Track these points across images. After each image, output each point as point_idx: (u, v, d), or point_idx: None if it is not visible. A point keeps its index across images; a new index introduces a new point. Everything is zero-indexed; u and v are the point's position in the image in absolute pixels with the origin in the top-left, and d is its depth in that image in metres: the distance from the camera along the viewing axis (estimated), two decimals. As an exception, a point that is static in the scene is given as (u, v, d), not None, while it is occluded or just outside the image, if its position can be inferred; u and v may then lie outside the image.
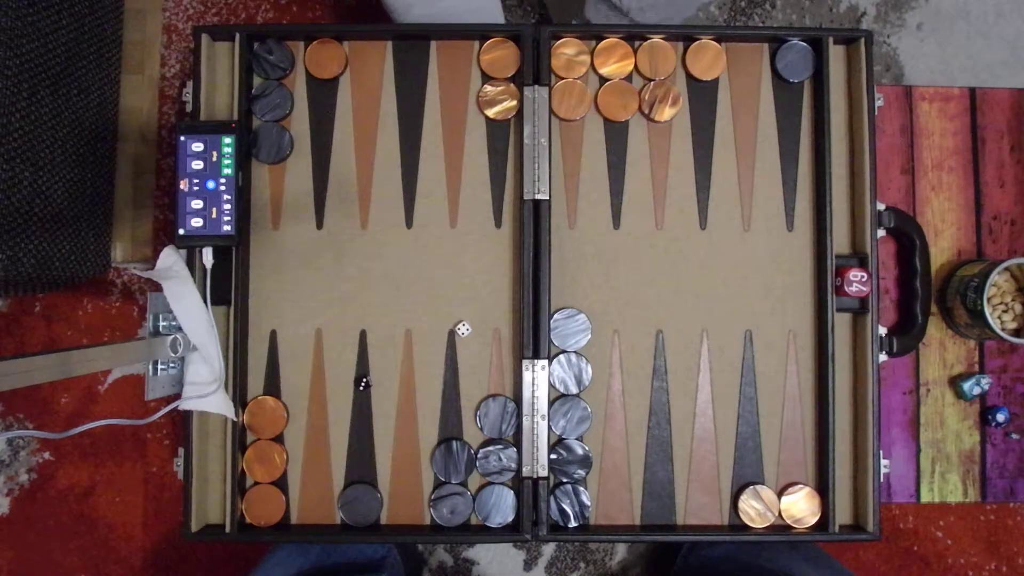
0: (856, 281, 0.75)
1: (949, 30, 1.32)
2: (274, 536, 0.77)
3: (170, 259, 0.74)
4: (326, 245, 0.79)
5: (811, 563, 0.80)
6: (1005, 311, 0.82)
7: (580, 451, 0.76)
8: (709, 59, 0.79)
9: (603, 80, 0.79)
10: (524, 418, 0.75)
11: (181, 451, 0.74)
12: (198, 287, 0.73)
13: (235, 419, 0.75)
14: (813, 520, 0.76)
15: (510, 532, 0.76)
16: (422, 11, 0.92)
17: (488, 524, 0.76)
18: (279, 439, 0.78)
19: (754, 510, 0.76)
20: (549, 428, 0.75)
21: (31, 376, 0.51)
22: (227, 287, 0.75)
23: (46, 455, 1.23)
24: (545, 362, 0.75)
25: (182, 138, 0.73)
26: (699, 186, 0.79)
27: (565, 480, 0.76)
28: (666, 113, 0.78)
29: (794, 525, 0.76)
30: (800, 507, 0.76)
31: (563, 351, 0.77)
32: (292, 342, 0.78)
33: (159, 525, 1.22)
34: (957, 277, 0.83)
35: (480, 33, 0.79)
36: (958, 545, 1.24)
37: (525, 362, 0.75)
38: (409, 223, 0.79)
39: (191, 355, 0.72)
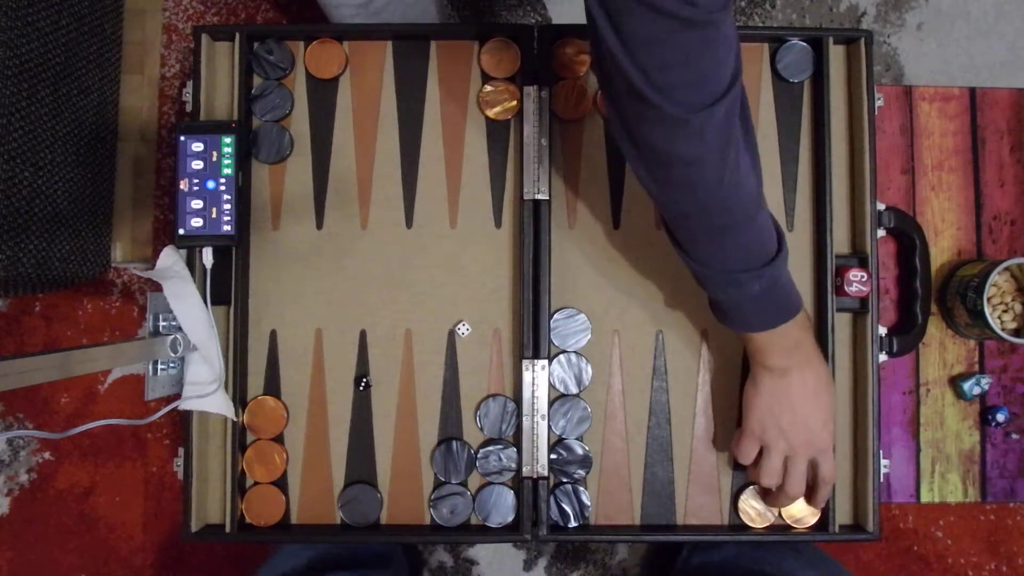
0: (856, 281, 0.75)
1: (949, 30, 1.32)
2: (274, 536, 0.77)
3: (170, 259, 0.74)
4: (326, 245, 0.79)
5: (814, 568, 0.79)
6: (1005, 311, 0.82)
7: (580, 451, 0.76)
8: (709, 59, 0.79)
9: (603, 80, 0.79)
10: (524, 418, 0.75)
11: (181, 451, 0.74)
12: (198, 287, 0.73)
13: (235, 419, 0.75)
14: (813, 520, 0.76)
15: (510, 532, 0.76)
16: (350, 11, 0.92)
17: (488, 524, 0.76)
18: (279, 439, 0.78)
19: (754, 510, 0.76)
20: (549, 428, 0.75)
21: (31, 376, 0.51)
22: (227, 287, 0.75)
23: (46, 455, 1.23)
24: (545, 362, 0.75)
25: (182, 138, 0.73)
26: (699, 186, 0.79)
27: (565, 480, 0.76)
28: (666, 113, 0.78)
29: (794, 525, 0.76)
30: (800, 506, 0.76)
31: (563, 351, 0.77)
32: (292, 342, 0.78)
33: (159, 525, 1.22)
34: (957, 277, 0.83)
35: (480, 33, 0.79)
36: (958, 545, 1.24)
37: (525, 362, 0.75)
38: (409, 223, 0.79)
39: (191, 355, 0.72)
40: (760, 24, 1.31)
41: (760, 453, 0.72)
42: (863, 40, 0.77)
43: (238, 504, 0.76)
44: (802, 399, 0.68)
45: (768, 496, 0.75)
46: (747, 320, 0.67)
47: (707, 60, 0.52)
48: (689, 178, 0.57)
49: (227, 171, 0.73)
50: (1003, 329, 0.79)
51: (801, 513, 0.76)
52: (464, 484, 0.77)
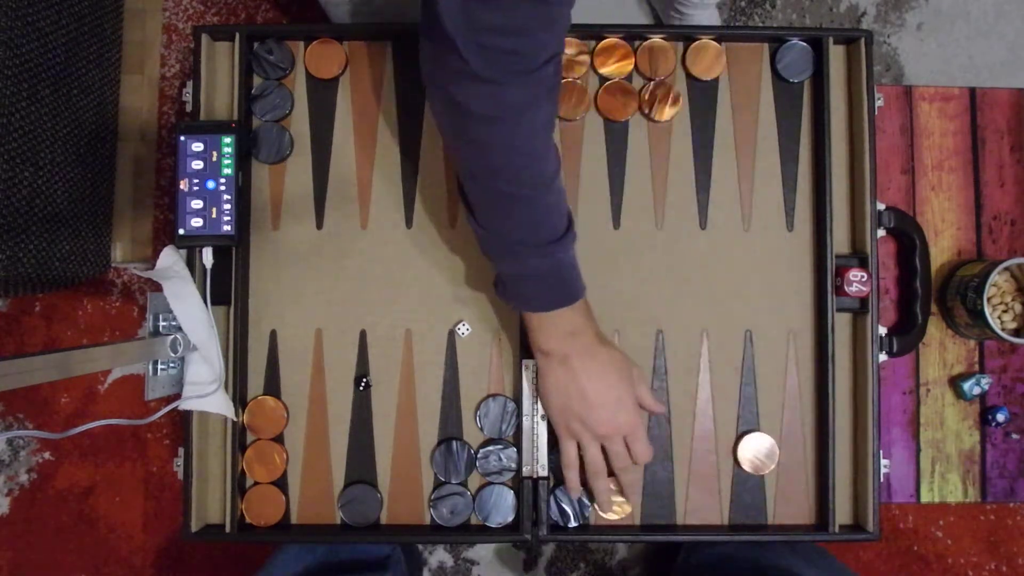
0: (856, 281, 0.75)
1: (949, 30, 1.32)
2: (274, 536, 0.77)
3: (170, 259, 0.74)
4: (326, 245, 0.79)
5: (813, 564, 0.80)
6: (1005, 311, 0.82)
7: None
8: (709, 59, 0.79)
9: (603, 80, 0.79)
10: (524, 418, 0.75)
11: (181, 451, 0.74)
12: (198, 287, 0.73)
13: (235, 419, 0.75)
14: (772, 466, 0.76)
15: (510, 532, 0.76)
16: (350, 10, 0.93)
17: (488, 524, 0.76)
18: (279, 439, 0.78)
19: (619, 498, 0.76)
20: (549, 428, 0.75)
21: (31, 376, 0.51)
22: (227, 287, 0.75)
23: (46, 455, 1.23)
24: (545, 362, 0.75)
25: (182, 138, 0.73)
26: (699, 186, 0.79)
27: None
28: (666, 113, 0.78)
29: (754, 472, 0.76)
30: (755, 447, 0.76)
31: (563, 351, 0.77)
32: (292, 342, 0.78)
33: (159, 525, 1.22)
34: (957, 277, 0.83)
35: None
36: (958, 545, 1.24)
37: (525, 362, 0.75)
38: (409, 223, 0.79)
39: (191, 355, 0.72)
40: (760, 24, 1.31)
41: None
42: (863, 40, 0.77)
43: (238, 504, 0.76)
44: (588, 383, 0.69)
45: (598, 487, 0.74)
46: (525, 297, 0.68)
47: (535, 36, 0.53)
48: (485, 137, 0.59)
49: (227, 171, 0.73)
50: (1003, 329, 0.79)
51: (757, 455, 0.77)
52: (464, 484, 0.77)
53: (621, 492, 0.75)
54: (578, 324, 0.69)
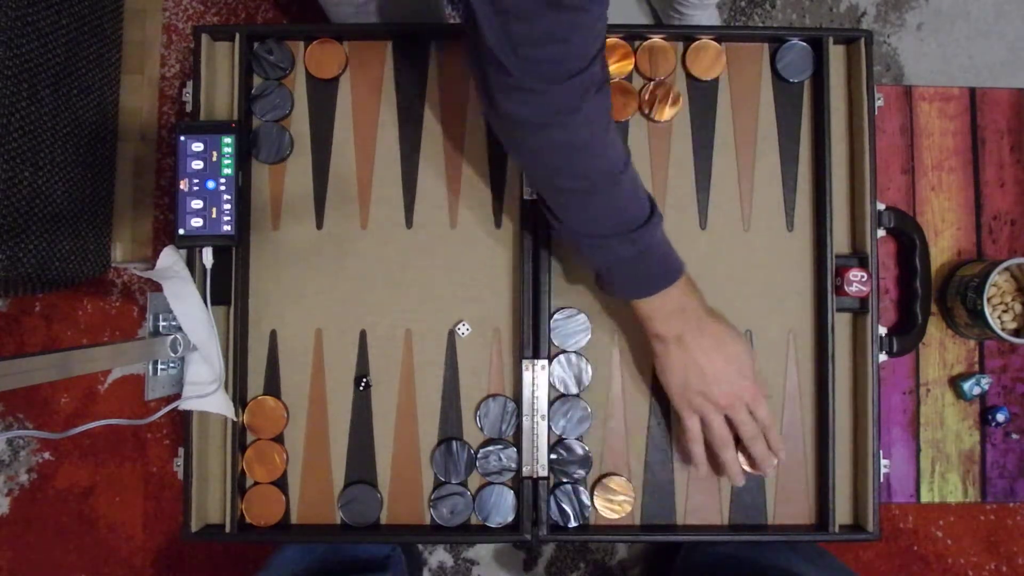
0: (856, 281, 0.75)
1: (949, 30, 1.33)
2: (274, 536, 0.77)
3: (170, 259, 0.74)
4: (326, 245, 0.79)
5: (812, 562, 0.80)
6: (1005, 311, 0.82)
7: (580, 451, 0.76)
8: (709, 59, 0.79)
9: (603, 80, 0.79)
10: (524, 418, 0.75)
11: (181, 451, 0.74)
12: (198, 287, 0.73)
13: (235, 419, 0.75)
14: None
15: (510, 532, 0.76)
16: (350, 10, 0.93)
17: (488, 524, 0.76)
18: (279, 439, 0.78)
19: (610, 502, 0.76)
20: (549, 428, 0.75)
21: (31, 376, 0.51)
22: (227, 287, 0.75)
23: (46, 455, 1.23)
24: (545, 362, 0.75)
25: (182, 138, 0.73)
26: (699, 186, 0.79)
27: (565, 480, 0.76)
28: (666, 113, 0.78)
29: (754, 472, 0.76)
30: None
31: (563, 351, 0.77)
32: (292, 342, 0.78)
33: (159, 525, 1.22)
34: (957, 277, 0.83)
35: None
36: (958, 545, 1.24)
37: (525, 362, 0.75)
38: (409, 223, 0.79)
39: (191, 355, 0.72)
40: (760, 24, 1.31)
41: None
42: (863, 40, 0.77)
43: (238, 504, 0.76)
44: (706, 358, 0.69)
45: (735, 464, 0.73)
46: (626, 286, 0.68)
47: (569, 41, 0.54)
48: (543, 143, 0.61)
49: (227, 171, 0.73)
50: (1003, 329, 0.79)
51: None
52: (464, 484, 0.77)
53: (752, 465, 0.74)
54: (685, 301, 0.69)
